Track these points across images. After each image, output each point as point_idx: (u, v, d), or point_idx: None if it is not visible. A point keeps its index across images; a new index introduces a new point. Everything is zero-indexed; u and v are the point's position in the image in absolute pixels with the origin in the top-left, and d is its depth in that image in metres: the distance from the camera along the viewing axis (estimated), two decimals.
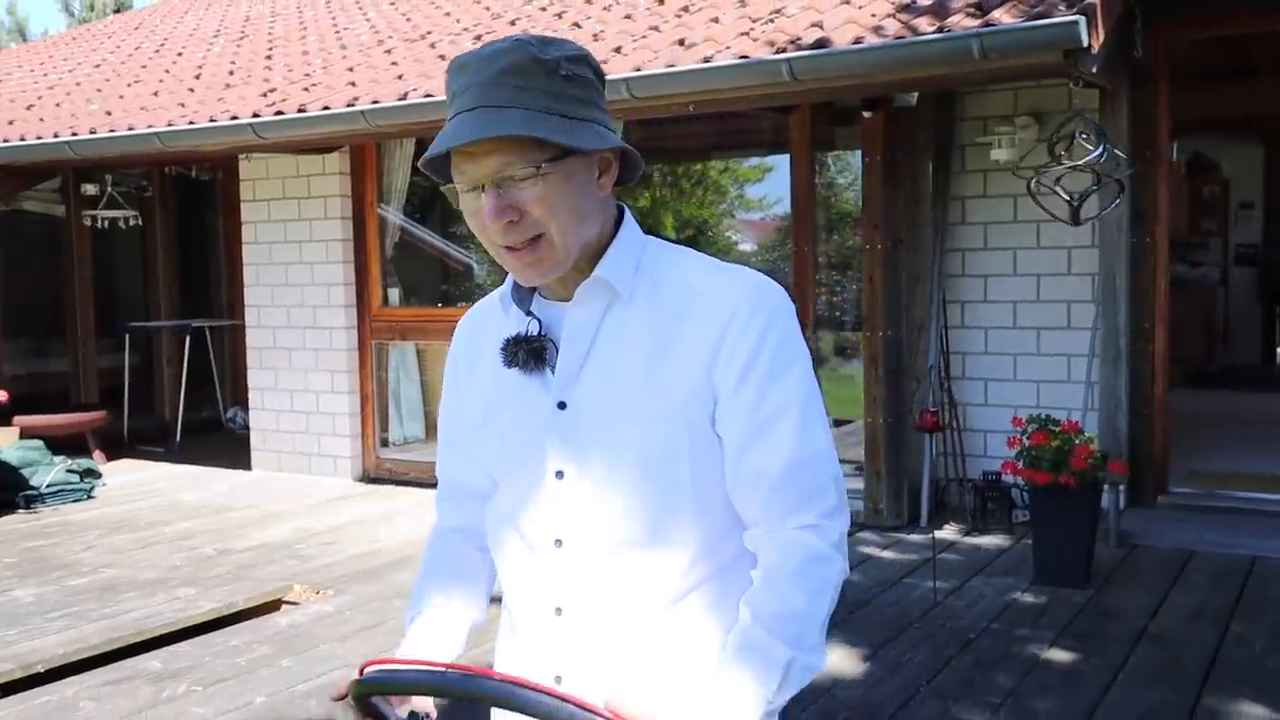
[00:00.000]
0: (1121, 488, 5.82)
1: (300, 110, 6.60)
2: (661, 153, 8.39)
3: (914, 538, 5.87)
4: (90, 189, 9.73)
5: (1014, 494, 5.94)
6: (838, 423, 7.20)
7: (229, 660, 4.40)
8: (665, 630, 1.48)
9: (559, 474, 1.50)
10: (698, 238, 8.80)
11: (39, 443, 7.70)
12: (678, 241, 7.22)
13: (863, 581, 5.21)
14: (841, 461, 5.32)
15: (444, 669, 1.36)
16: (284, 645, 4.55)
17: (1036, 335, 6.32)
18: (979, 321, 6.46)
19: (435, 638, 1.57)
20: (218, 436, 9.94)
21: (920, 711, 3.76)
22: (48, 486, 7.38)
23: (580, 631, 1.49)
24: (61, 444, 8.02)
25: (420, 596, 1.63)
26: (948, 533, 6.01)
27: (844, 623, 4.64)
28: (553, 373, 1.50)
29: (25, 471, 7.42)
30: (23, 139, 7.66)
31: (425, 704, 1.46)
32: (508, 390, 1.53)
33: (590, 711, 1.23)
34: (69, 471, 7.56)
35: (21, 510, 7.20)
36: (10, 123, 8.29)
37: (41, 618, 4.91)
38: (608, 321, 1.49)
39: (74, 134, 7.43)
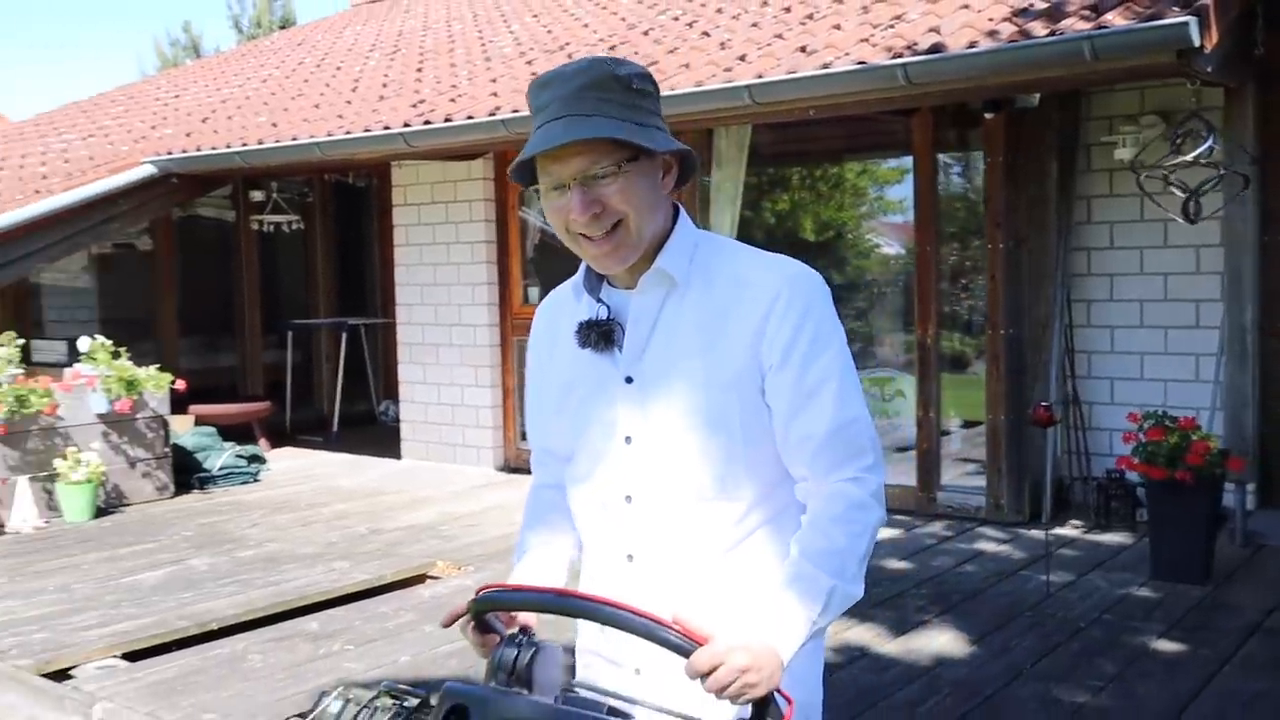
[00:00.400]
0: (1250, 487, 5.79)
1: (447, 120, 7.05)
2: (792, 156, 8.56)
3: (1033, 533, 5.93)
4: (257, 195, 10.50)
5: (1138, 492, 5.95)
6: (967, 424, 7.27)
7: (378, 624, 4.83)
8: (725, 572, 1.73)
9: (628, 439, 1.74)
10: (837, 241, 8.87)
11: (211, 430, 8.38)
12: (816, 245, 7.37)
13: (978, 573, 5.34)
14: (965, 460, 5.50)
15: (542, 590, 1.66)
16: (427, 613, 4.94)
17: (1164, 334, 6.30)
18: (1105, 320, 6.48)
19: (538, 571, 1.84)
20: (371, 428, 10.55)
21: (1022, 692, 3.90)
22: (219, 469, 8.04)
23: (649, 575, 1.74)
24: (230, 432, 8.69)
25: (524, 540, 1.91)
26: (1070, 530, 6.06)
27: (954, 609, 4.79)
28: (620, 352, 1.74)
29: (199, 455, 8.09)
30: (199, 149, 8.33)
31: (530, 620, 1.74)
32: (582, 368, 1.78)
33: (659, 623, 1.50)
34: (238, 456, 8.21)
35: (196, 490, 7.86)
36: (188, 134, 9.02)
37: (214, 583, 5.44)
38: (667, 307, 1.72)
39: (244, 144, 8.05)
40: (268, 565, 5.76)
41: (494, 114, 6.81)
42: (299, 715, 3.63)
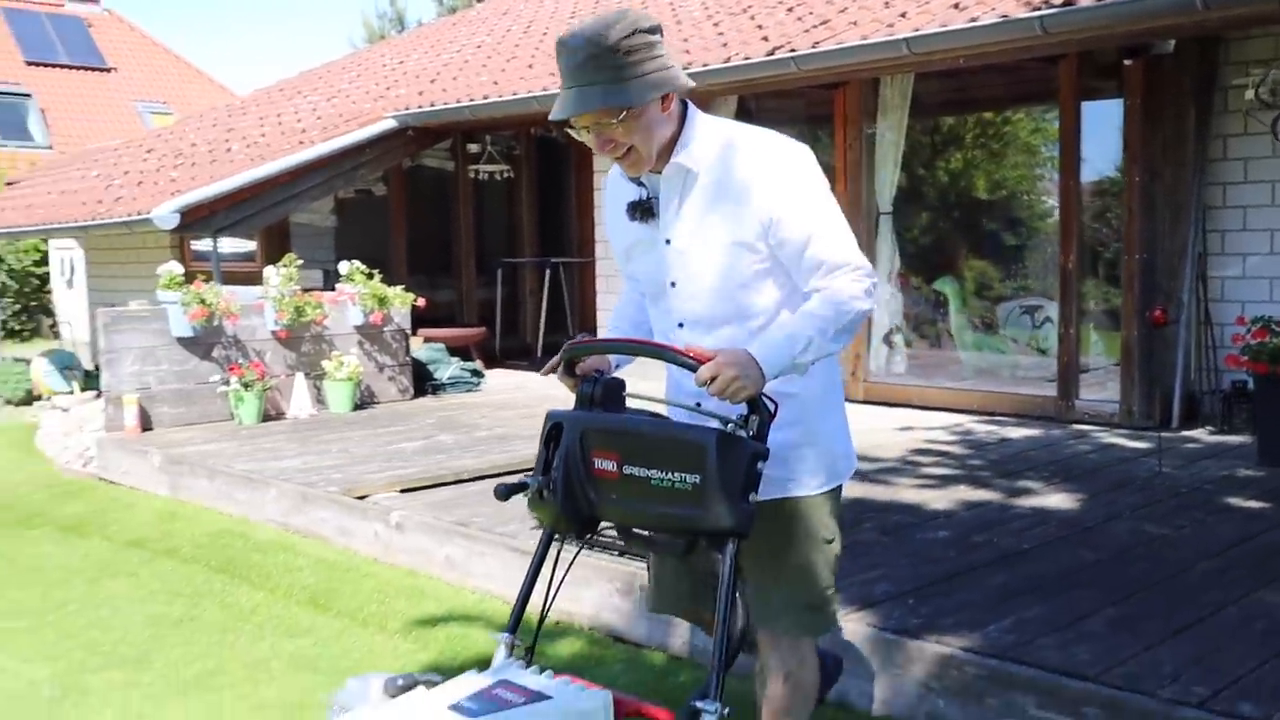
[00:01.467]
0: None
1: None
2: (953, 105, 9.34)
3: (1160, 434, 6.69)
4: (473, 148, 11.88)
5: None
6: (1117, 364, 7.95)
7: None
8: None
9: (673, 284, 2.38)
10: (1010, 201, 9.49)
11: (440, 346, 9.81)
12: (989, 202, 8.17)
13: (1101, 459, 6.17)
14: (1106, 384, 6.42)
15: (606, 339, 2.50)
16: None
17: None
18: (1237, 249, 7.11)
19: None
20: None
21: (1117, 527, 4.78)
22: (448, 379, 9.45)
23: None
24: (451, 353, 10.09)
25: (614, 316, 2.69)
26: (1196, 433, 6.78)
27: (1073, 479, 5.66)
28: (659, 221, 2.38)
29: (430, 367, 9.52)
30: (433, 105, 9.70)
31: (603, 364, 2.47)
32: (635, 233, 2.44)
33: (675, 349, 2.24)
34: (462, 369, 9.61)
35: (429, 395, 9.29)
36: (420, 93, 10.42)
37: (460, 450, 6.75)
38: (688, 184, 2.33)
39: (471, 99, 9.37)
40: (500, 441, 7.04)
41: (686, 68, 7.87)
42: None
